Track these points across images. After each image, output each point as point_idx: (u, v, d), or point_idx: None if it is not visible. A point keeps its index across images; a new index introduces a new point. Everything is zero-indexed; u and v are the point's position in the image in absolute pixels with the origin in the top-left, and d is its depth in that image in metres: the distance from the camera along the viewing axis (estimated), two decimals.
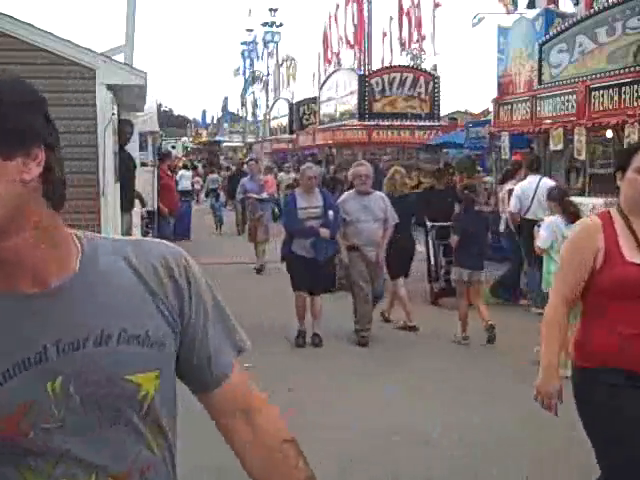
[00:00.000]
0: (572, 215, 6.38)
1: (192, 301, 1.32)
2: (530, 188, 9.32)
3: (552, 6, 14.01)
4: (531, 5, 14.61)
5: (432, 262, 9.98)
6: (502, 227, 10.31)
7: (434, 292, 9.80)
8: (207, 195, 24.14)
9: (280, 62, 41.58)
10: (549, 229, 6.74)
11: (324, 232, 7.49)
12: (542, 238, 6.76)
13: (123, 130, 8.34)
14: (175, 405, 1.37)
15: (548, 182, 9.64)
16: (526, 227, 8.83)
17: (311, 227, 7.52)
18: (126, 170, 8.32)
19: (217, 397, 1.39)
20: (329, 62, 31.32)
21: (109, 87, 6.91)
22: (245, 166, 18.65)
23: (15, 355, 1.16)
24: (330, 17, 30.98)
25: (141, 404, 1.25)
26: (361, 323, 7.79)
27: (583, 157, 11.09)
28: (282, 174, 23.10)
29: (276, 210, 15.65)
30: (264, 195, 13.26)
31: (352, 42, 28.10)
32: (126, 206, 8.49)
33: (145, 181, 11.64)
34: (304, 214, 7.61)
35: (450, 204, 9.65)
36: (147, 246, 1.34)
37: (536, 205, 9.23)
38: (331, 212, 7.59)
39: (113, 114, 7.26)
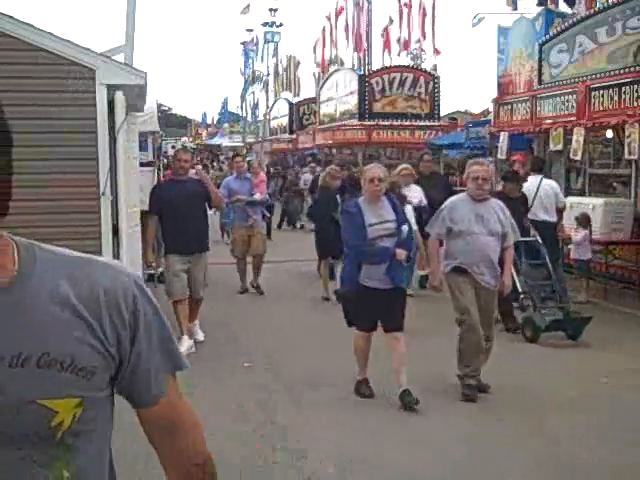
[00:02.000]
0: None
1: (136, 333, 1.29)
2: (531, 188, 9.32)
3: (552, 6, 14.01)
4: (543, 2, 14.53)
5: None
6: None
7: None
8: None
9: (284, 65, 41.53)
10: None
11: (401, 254, 5.84)
12: None
13: None
14: (108, 435, 1.35)
15: (549, 182, 9.65)
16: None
17: (386, 249, 5.82)
18: None
19: (150, 414, 1.39)
20: (326, 67, 31.35)
21: (116, 88, 6.91)
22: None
23: None
24: (329, 18, 30.99)
25: (54, 430, 1.19)
26: (464, 369, 6.06)
27: (579, 157, 11.09)
28: (306, 175, 20.49)
29: (267, 215, 12.55)
30: (257, 196, 10.82)
31: (351, 43, 28.11)
32: None
33: (145, 181, 11.60)
34: (374, 232, 5.82)
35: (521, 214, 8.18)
36: (95, 270, 1.27)
37: (537, 205, 9.23)
38: (405, 227, 5.97)
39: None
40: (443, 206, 6.26)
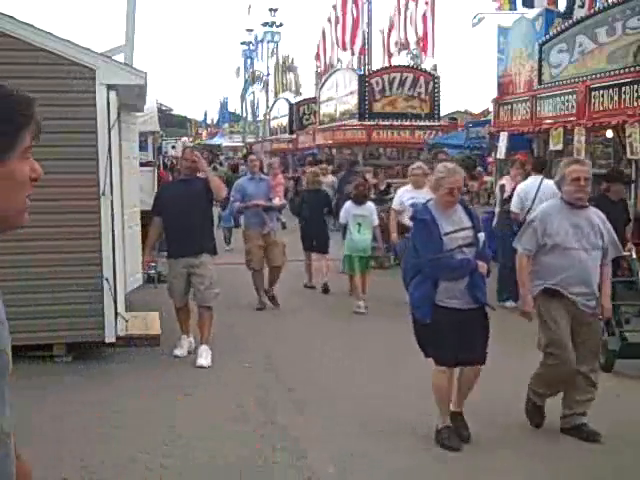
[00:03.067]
0: None
1: None
2: (532, 188, 9.31)
3: (552, 6, 14.02)
4: (528, 4, 14.59)
5: None
6: (494, 223, 10.27)
7: None
8: None
9: (282, 65, 41.60)
10: None
11: (483, 266, 5.07)
12: None
13: None
14: None
15: (549, 183, 9.60)
16: None
17: (468, 261, 4.99)
18: None
19: None
20: (325, 68, 31.36)
21: (109, 87, 6.91)
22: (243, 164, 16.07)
23: None
24: (329, 19, 30.99)
25: None
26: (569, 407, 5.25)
27: (582, 157, 11.09)
28: (329, 177, 17.42)
29: (282, 220, 12.15)
30: (275, 202, 9.54)
31: (350, 43, 28.11)
32: None
33: (145, 181, 11.61)
34: (451, 242, 4.98)
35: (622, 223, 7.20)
36: None
37: (537, 205, 9.20)
38: (481, 234, 5.15)
39: (118, 114, 7.25)
40: (533, 216, 5.40)
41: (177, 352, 7.20)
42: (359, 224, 9.55)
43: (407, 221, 7.63)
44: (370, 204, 9.92)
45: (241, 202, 9.42)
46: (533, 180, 9.49)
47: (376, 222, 9.79)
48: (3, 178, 1.33)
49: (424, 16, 24.60)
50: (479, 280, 5.01)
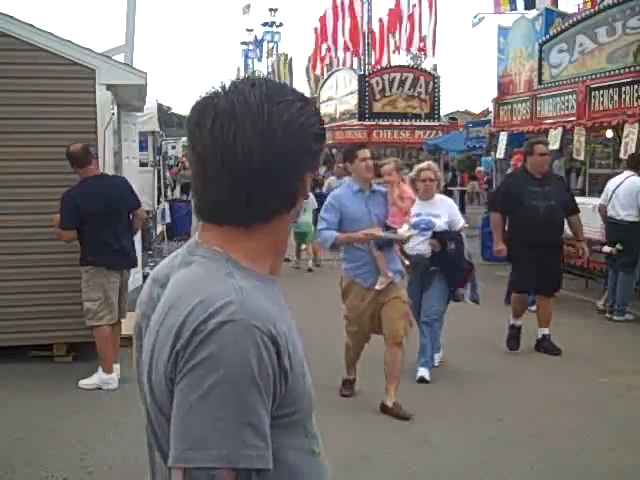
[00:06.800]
0: None
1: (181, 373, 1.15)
2: (613, 183, 9.17)
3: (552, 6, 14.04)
4: (530, 5, 14.62)
5: None
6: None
7: None
8: None
9: (276, 60, 41.59)
10: None
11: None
12: None
13: None
14: None
15: (635, 179, 9.41)
16: None
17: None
18: None
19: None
20: (322, 70, 31.39)
21: (109, 87, 6.91)
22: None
23: None
24: (324, 17, 31.01)
25: None
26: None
27: (582, 157, 11.09)
28: (331, 178, 14.67)
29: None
30: (401, 231, 5.54)
31: (349, 43, 28.13)
32: None
33: (145, 181, 11.60)
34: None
35: None
36: None
37: (614, 200, 9.06)
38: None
39: (113, 114, 7.25)
40: None
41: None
42: (305, 209, 10.78)
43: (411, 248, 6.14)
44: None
45: (335, 228, 5.53)
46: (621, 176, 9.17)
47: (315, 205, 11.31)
48: None
49: (410, 16, 24.61)
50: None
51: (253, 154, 1.20)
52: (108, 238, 6.11)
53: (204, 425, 1.11)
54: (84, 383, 6.17)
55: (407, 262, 6.16)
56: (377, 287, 5.48)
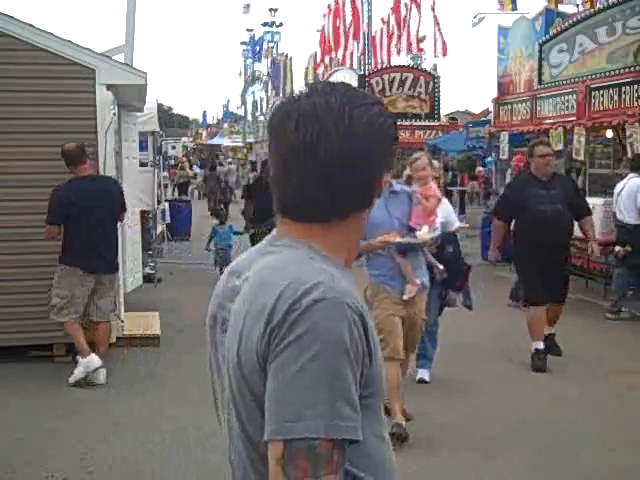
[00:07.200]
0: None
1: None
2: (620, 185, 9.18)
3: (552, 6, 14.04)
4: None
5: None
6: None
7: None
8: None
9: (281, 62, 41.57)
10: None
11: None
12: None
13: None
14: None
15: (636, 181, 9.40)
16: None
17: None
18: None
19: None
20: (326, 67, 31.36)
21: (109, 87, 6.90)
22: None
23: None
24: (326, 15, 30.98)
25: None
26: None
27: (582, 157, 11.09)
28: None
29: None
30: (421, 234, 5.10)
31: (349, 43, 28.11)
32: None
33: (145, 181, 11.59)
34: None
35: None
36: None
37: (619, 202, 9.06)
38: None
39: (114, 114, 7.24)
40: None
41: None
42: None
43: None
44: None
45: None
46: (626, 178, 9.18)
47: None
48: None
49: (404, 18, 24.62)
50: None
51: (335, 155, 1.25)
52: (90, 240, 6.16)
53: (302, 398, 1.15)
54: (72, 379, 6.19)
55: (440, 266, 5.54)
56: (405, 297, 5.02)
